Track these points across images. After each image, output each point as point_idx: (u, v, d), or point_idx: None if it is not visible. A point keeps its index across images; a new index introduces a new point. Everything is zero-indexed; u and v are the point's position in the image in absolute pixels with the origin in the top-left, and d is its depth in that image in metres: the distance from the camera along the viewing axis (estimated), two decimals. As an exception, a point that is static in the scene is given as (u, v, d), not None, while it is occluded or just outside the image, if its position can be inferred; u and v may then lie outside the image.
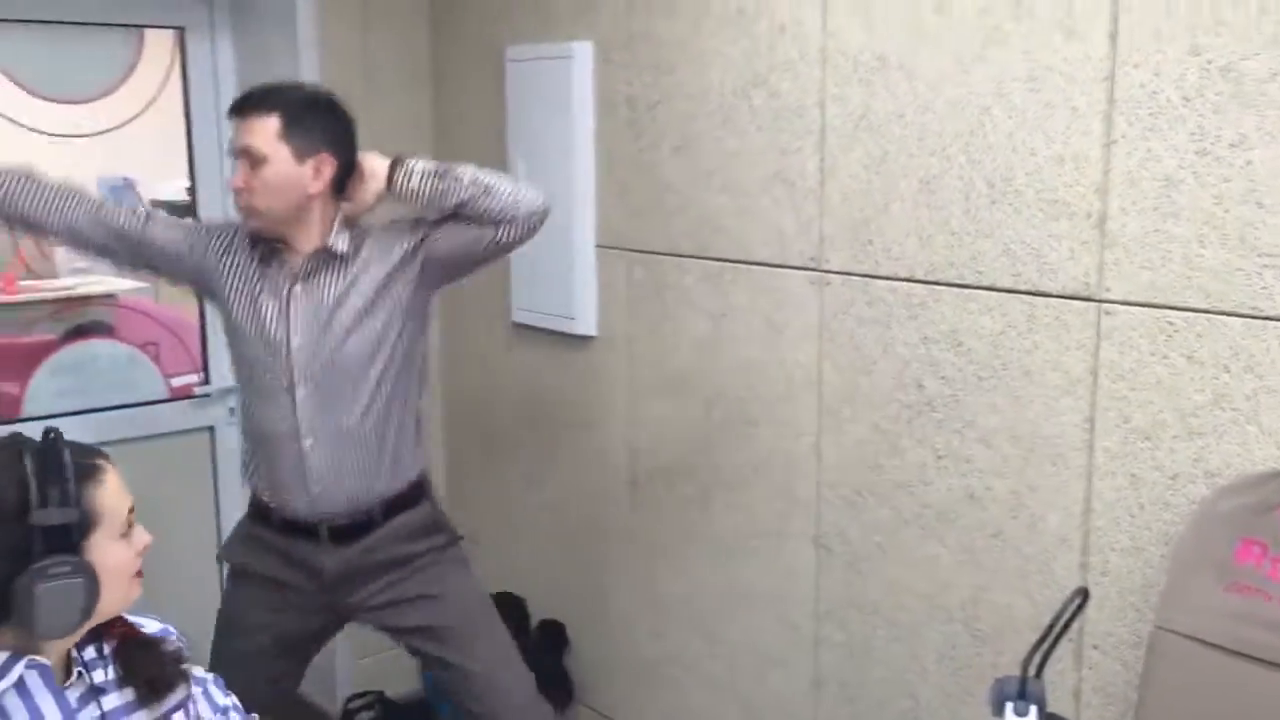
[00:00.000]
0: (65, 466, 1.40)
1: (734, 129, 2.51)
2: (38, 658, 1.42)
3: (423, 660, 2.49)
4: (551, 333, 3.07)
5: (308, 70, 3.15)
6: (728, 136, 2.53)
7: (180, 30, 3.27)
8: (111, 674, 1.50)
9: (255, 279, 2.25)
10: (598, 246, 2.91)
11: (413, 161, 2.26)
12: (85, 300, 3.59)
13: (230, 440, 3.40)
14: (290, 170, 2.17)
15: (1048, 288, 2.00)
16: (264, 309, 2.24)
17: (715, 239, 2.59)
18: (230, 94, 3.31)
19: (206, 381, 3.41)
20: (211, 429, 3.41)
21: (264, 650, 2.34)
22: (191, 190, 3.35)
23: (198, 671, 1.64)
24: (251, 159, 2.16)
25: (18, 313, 3.69)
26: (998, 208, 2.06)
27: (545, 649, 3.19)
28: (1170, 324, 1.86)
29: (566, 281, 2.95)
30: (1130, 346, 1.91)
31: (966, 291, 2.12)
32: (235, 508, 3.44)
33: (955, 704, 2.23)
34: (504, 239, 2.25)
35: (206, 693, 1.62)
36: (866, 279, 2.29)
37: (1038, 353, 2.03)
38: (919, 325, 2.21)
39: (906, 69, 2.16)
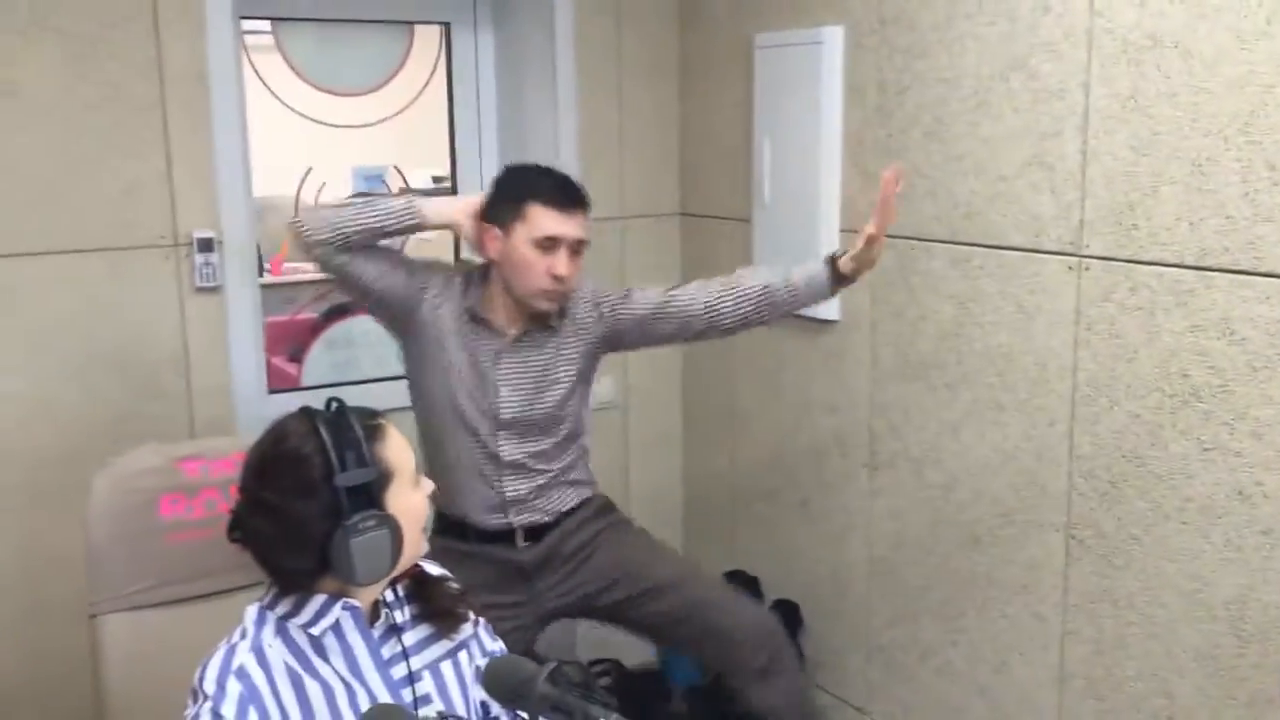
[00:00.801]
0: (355, 430, 1.53)
1: (989, 113, 2.48)
2: (352, 600, 1.56)
3: (629, 622, 2.63)
4: (793, 316, 3.10)
5: (564, 62, 3.29)
6: (982, 120, 2.50)
7: (446, 25, 3.47)
8: (408, 613, 1.64)
9: (470, 331, 2.44)
10: (842, 230, 2.92)
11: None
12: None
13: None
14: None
15: (1334, 274, 1.91)
16: (478, 359, 2.44)
17: (965, 224, 2.57)
18: (490, 85, 3.52)
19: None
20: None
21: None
22: (453, 176, 3.55)
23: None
24: (580, 249, 2.42)
25: (282, 293, 4.02)
26: (1279, 190, 1.97)
27: (779, 628, 3.24)
28: None
29: (810, 266, 2.98)
30: None
31: (1242, 278, 2.04)
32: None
33: (1216, 705, 2.15)
34: None
35: (477, 637, 1.74)
36: (1130, 264, 2.23)
37: (1320, 343, 1.94)
38: (1187, 313, 2.13)
39: (1182, 48, 2.09)
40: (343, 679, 1.54)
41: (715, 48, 3.33)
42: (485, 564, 2.48)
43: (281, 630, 1.54)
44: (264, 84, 3.39)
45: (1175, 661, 2.23)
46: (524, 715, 1.29)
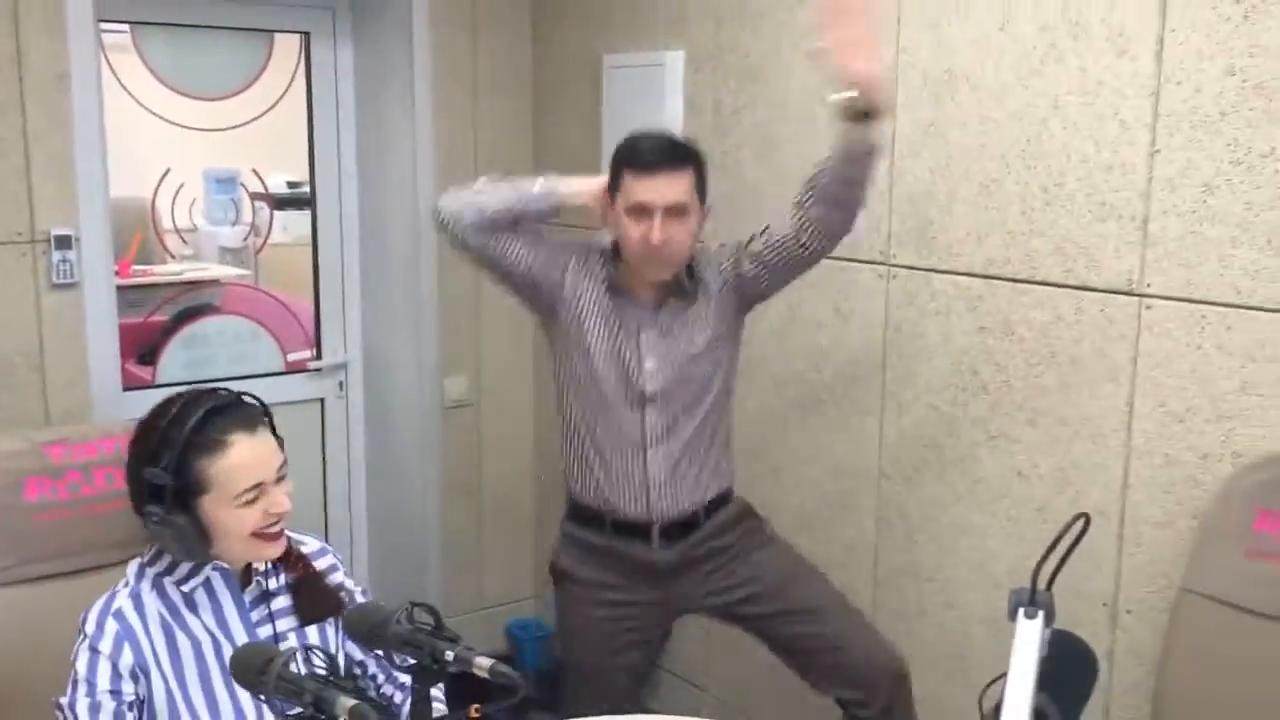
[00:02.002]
0: (182, 439, 1.64)
1: (811, 134, 2.74)
2: (221, 562, 1.69)
3: (763, 635, 2.50)
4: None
5: (421, 75, 3.44)
6: (805, 141, 2.76)
7: (306, 35, 3.58)
8: (282, 580, 1.77)
9: (609, 306, 2.37)
10: (682, 240, 3.15)
11: None
12: (193, 285, 3.91)
13: (337, 411, 3.72)
14: (695, 219, 2.32)
15: (1094, 283, 2.21)
16: (618, 333, 2.36)
17: (791, 235, 2.82)
18: (349, 94, 3.63)
19: (318, 357, 3.72)
20: (322, 401, 3.73)
21: (626, 657, 2.47)
22: (311, 181, 3.65)
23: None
24: (677, 212, 2.26)
25: (128, 295, 4.01)
26: (1051, 209, 2.26)
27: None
28: (1204, 317, 2.05)
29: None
30: (1166, 336, 2.11)
31: (1020, 285, 2.33)
32: (339, 472, 3.77)
33: (1001, 663, 2.43)
34: None
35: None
36: (929, 273, 2.50)
37: (1084, 342, 2.24)
38: (976, 316, 2.42)
39: (973, 81, 2.38)
40: (210, 633, 1.68)
41: (566, 64, 3.53)
42: (618, 560, 2.41)
43: (158, 585, 1.68)
44: (122, 85, 3.42)
45: (965, 626, 2.51)
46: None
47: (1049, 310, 2.29)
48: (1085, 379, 2.25)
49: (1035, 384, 2.33)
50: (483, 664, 1.30)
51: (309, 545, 1.84)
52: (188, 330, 3.63)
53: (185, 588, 1.68)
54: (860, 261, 2.66)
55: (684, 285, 2.36)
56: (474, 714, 1.34)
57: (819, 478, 2.82)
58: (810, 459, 2.84)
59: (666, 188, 2.26)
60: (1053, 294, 2.28)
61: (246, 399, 1.72)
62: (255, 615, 1.73)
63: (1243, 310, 2.00)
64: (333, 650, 1.76)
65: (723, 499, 2.47)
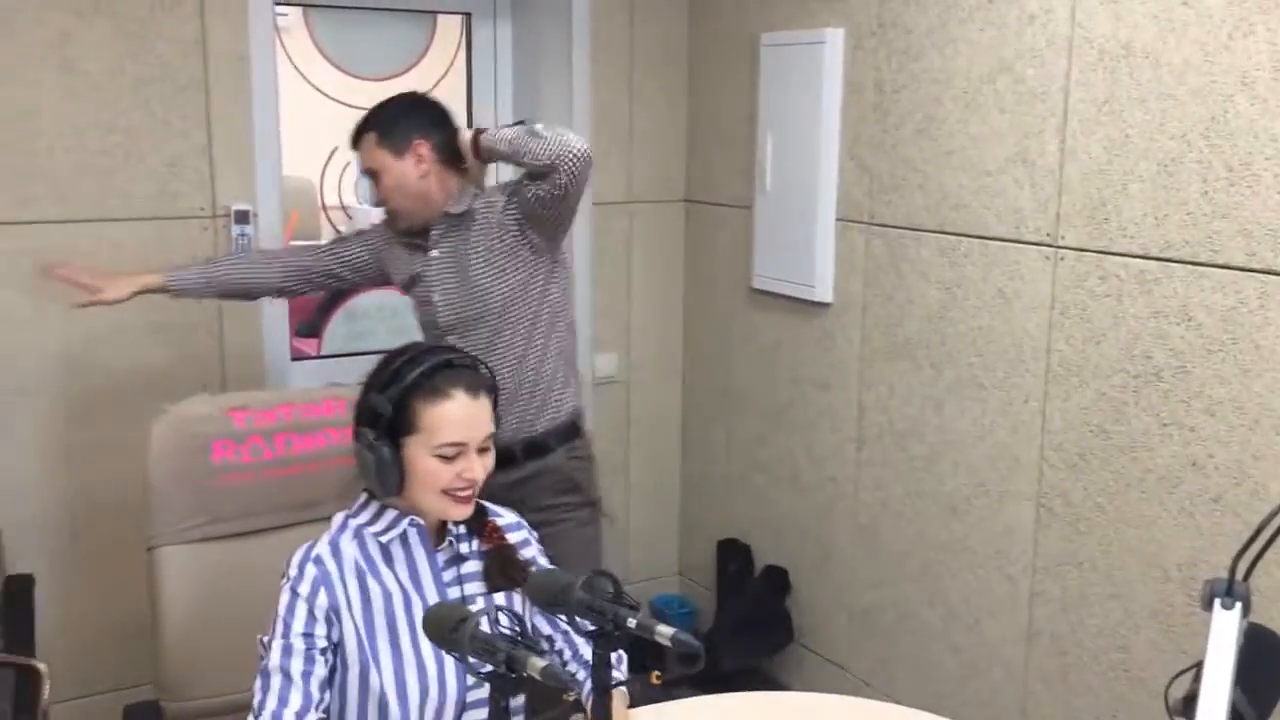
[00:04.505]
0: (407, 375, 1.71)
1: (976, 112, 2.69)
2: (418, 519, 1.76)
3: None
4: (789, 298, 3.32)
5: (579, 54, 3.48)
6: (970, 119, 2.70)
7: (467, 15, 3.65)
8: (474, 546, 1.81)
9: (408, 256, 2.61)
10: (838, 220, 3.13)
11: (491, 130, 2.53)
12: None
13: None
14: (398, 168, 2.51)
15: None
16: (417, 275, 2.59)
17: (952, 215, 2.78)
18: (507, 73, 3.70)
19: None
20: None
21: None
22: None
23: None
24: (372, 176, 2.54)
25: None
26: (1235, 190, 2.18)
27: (768, 593, 3.45)
28: (1404, 304, 1.95)
29: (807, 252, 3.18)
30: (1362, 324, 2.01)
31: (1200, 269, 2.25)
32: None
33: (1167, 659, 2.37)
34: (555, 187, 2.40)
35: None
36: (1101, 255, 2.43)
37: (1269, 329, 2.15)
38: (1150, 300, 2.34)
39: (1153, 58, 2.30)
40: (402, 586, 1.74)
41: (722, 44, 3.53)
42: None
43: (358, 535, 1.76)
44: (294, 65, 3.56)
45: (1132, 619, 2.44)
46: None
47: (1231, 295, 2.21)
48: (1268, 367, 2.16)
49: (1214, 371, 2.25)
50: (664, 632, 1.32)
51: (504, 518, 1.89)
52: (350, 304, 3.76)
53: (384, 538, 1.75)
54: (1025, 243, 2.60)
55: (450, 216, 2.53)
56: (655, 680, 1.36)
57: (977, 463, 2.78)
58: (967, 444, 2.79)
59: (360, 160, 2.56)
60: (1236, 278, 2.19)
61: (481, 369, 1.78)
62: (447, 576, 1.78)
63: None
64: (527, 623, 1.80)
65: (544, 446, 2.55)
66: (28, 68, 2.78)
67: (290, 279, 2.72)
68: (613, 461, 3.78)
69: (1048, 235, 2.55)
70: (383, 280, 2.76)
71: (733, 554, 3.64)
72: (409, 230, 2.59)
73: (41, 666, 0.95)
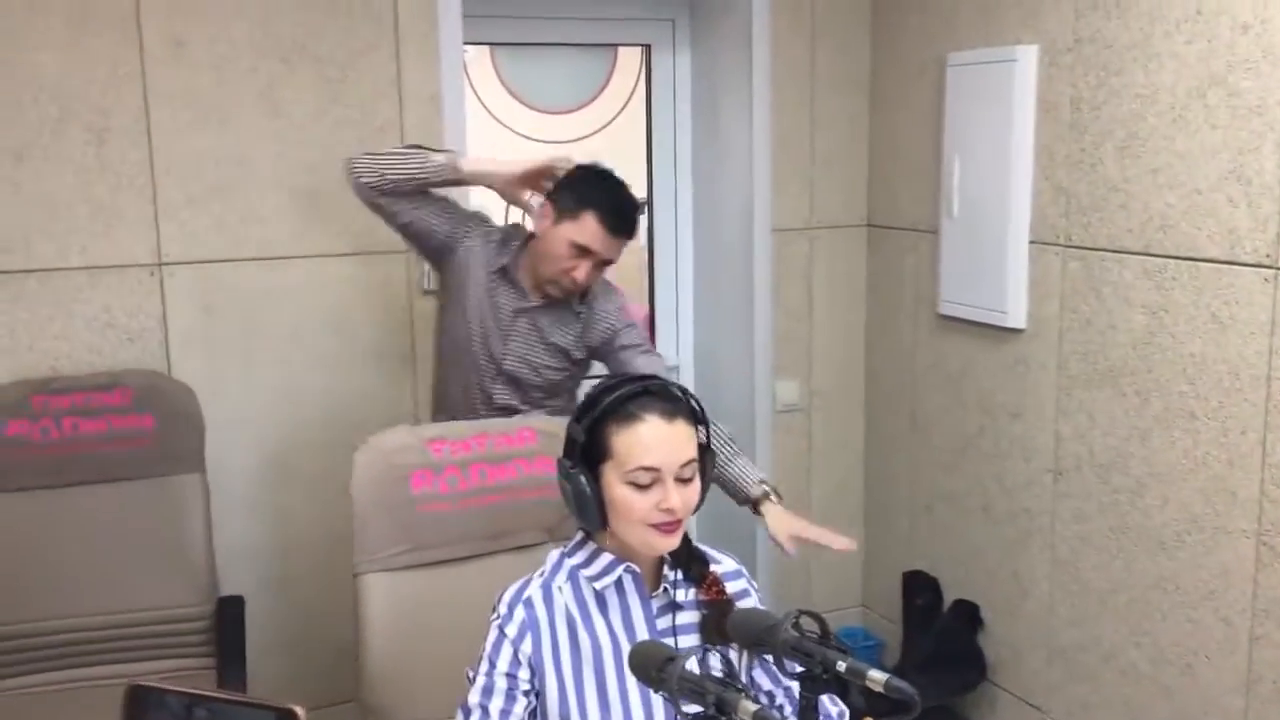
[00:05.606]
0: (602, 401, 1.68)
1: (1185, 128, 2.55)
2: (634, 565, 1.71)
3: None
4: (978, 324, 3.21)
5: (759, 79, 3.47)
6: (1178, 135, 2.57)
7: (647, 47, 3.69)
8: (691, 595, 1.75)
9: (494, 283, 2.63)
10: (1031, 242, 3.02)
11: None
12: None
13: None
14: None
15: None
16: (498, 310, 2.63)
17: (1159, 236, 2.64)
18: (686, 101, 3.72)
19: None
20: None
21: None
22: (649, 187, 3.75)
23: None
24: (604, 266, 2.59)
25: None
26: None
27: (958, 628, 3.34)
28: None
29: (998, 276, 3.08)
30: None
31: None
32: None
33: None
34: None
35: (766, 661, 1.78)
36: (1328, 277, 2.27)
37: None
38: (1387, 324, 2.17)
39: (1385, 65, 2.14)
40: (613, 635, 1.70)
41: (906, 64, 3.46)
42: None
43: (573, 577, 1.73)
44: (480, 102, 3.66)
45: (1369, 668, 2.26)
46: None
47: None
48: None
49: None
50: (877, 678, 1.28)
51: (724, 565, 1.81)
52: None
53: (599, 584, 1.71)
54: (1241, 264, 2.45)
55: (573, 301, 2.62)
56: (865, 725, 1.33)
57: (1188, 497, 2.63)
58: (1177, 476, 2.64)
59: (616, 250, 2.56)
60: None
61: (687, 397, 1.73)
62: (661, 624, 1.72)
63: None
64: (737, 670, 1.73)
65: None
66: (242, 114, 2.94)
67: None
68: (794, 489, 3.73)
69: (1267, 256, 2.40)
70: (423, 253, 2.76)
71: (919, 586, 3.54)
72: (547, 297, 2.62)
73: (300, 711, 0.97)
